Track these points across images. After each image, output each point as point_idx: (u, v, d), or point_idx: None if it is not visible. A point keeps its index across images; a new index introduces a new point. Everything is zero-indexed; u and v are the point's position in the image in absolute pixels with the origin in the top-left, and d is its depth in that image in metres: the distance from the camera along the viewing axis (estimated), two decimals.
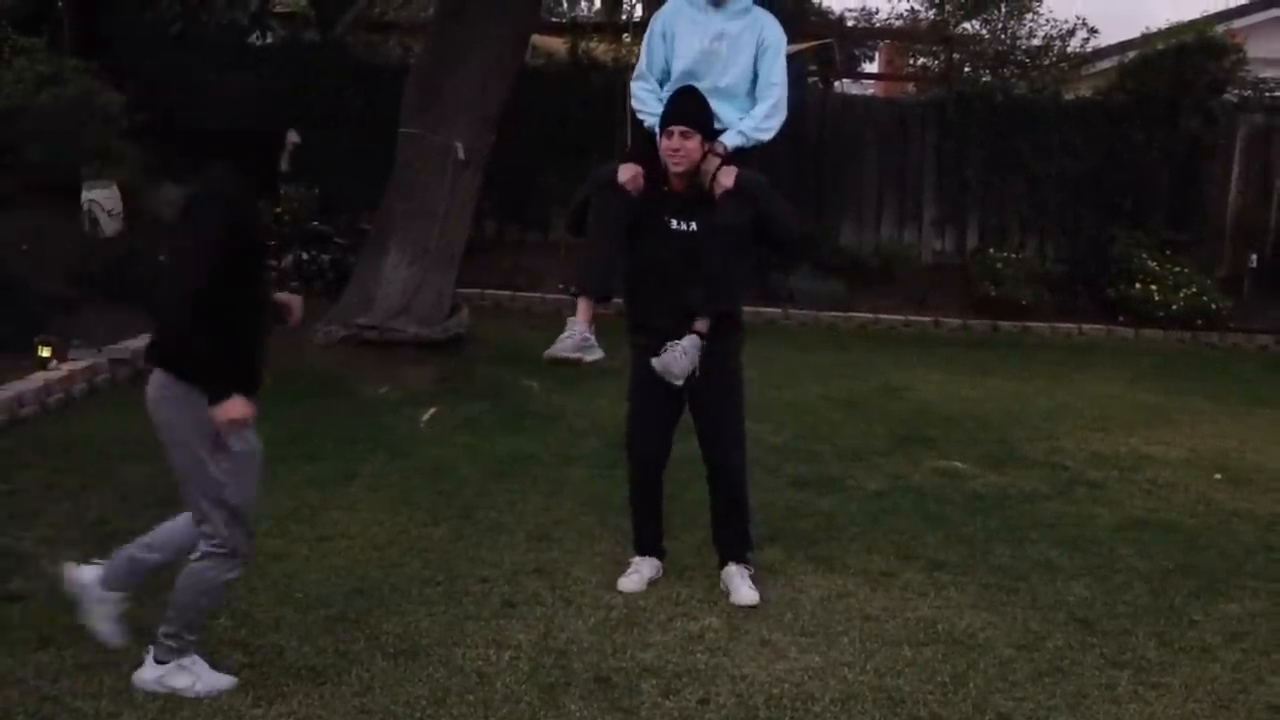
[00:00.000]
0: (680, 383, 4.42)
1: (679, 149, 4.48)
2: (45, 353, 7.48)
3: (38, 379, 7.25)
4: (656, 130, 4.62)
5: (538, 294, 12.37)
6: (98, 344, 8.01)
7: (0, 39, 11.01)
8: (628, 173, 4.55)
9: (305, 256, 10.80)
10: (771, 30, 4.73)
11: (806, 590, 4.74)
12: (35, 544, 4.87)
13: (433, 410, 7.57)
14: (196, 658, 3.71)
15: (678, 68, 4.68)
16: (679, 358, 4.41)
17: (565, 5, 30.59)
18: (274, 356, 8.56)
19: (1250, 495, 6.58)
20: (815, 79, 19.05)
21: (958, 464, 6.93)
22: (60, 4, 12.54)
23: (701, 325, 4.49)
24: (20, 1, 13.15)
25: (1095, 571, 5.16)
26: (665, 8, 4.88)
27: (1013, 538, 5.57)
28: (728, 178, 4.47)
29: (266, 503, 5.48)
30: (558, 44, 14.64)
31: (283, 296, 4.06)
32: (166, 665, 3.67)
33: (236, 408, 3.51)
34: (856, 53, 30.20)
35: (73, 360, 7.69)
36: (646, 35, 4.89)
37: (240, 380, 3.57)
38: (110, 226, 9.45)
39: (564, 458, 6.69)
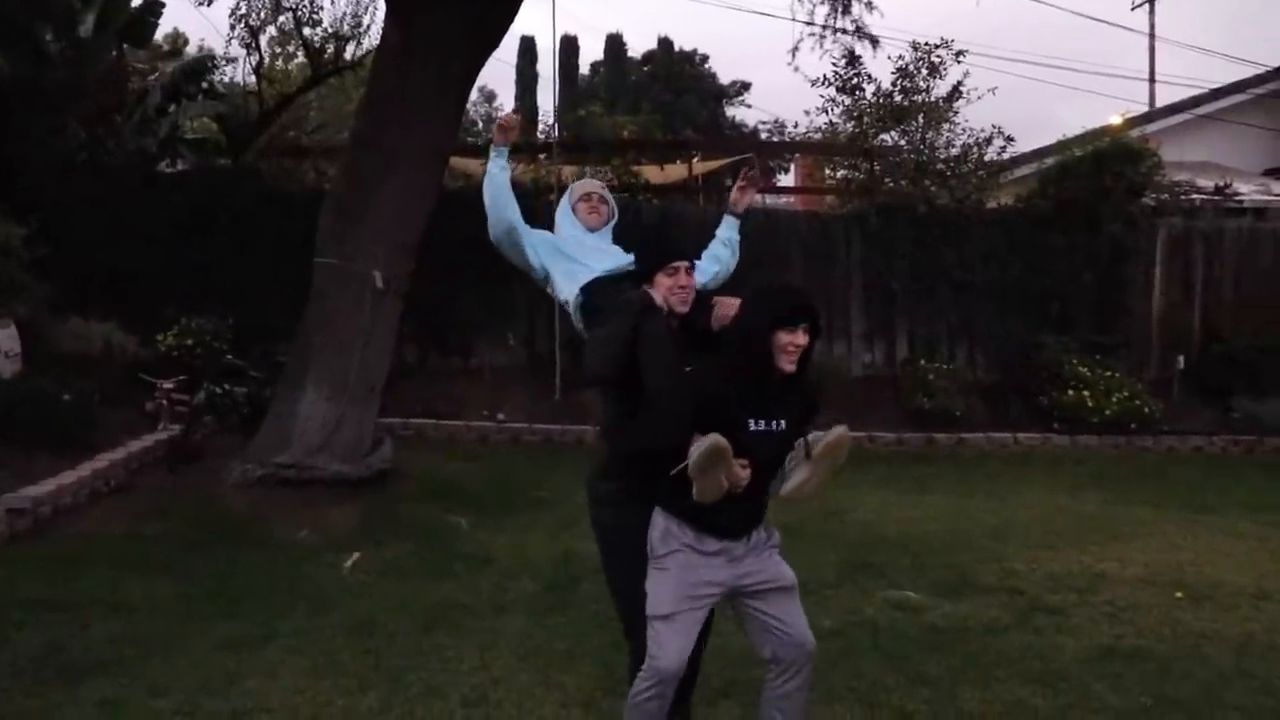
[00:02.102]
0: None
1: (687, 286, 4.14)
2: None
3: None
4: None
5: (461, 422, 12.00)
6: None
7: None
8: (660, 298, 4.10)
9: (218, 391, 10.35)
10: None
11: None
12: None
13: (356, 555, 7.13)
14: None
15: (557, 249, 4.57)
16: None
17: (481, 125, 30.74)
18: (185, 499, 8.20)
19: (1214, 614, 6.34)
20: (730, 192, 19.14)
21: (910, 594, 6.63)
22: None
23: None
24: None
25: (1069, 713, 4.85)
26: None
27: (979, 676, 5.25)
28: (730, 306, 4.11)
29: (175, 671, 5.07)
30: (476, 166, 14.45)
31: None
32: None
33: None
34: (772, 164, 30.71)
35: None
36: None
37: None
38: (8, 368, 8.95)
39: (497, 605, 6.27)
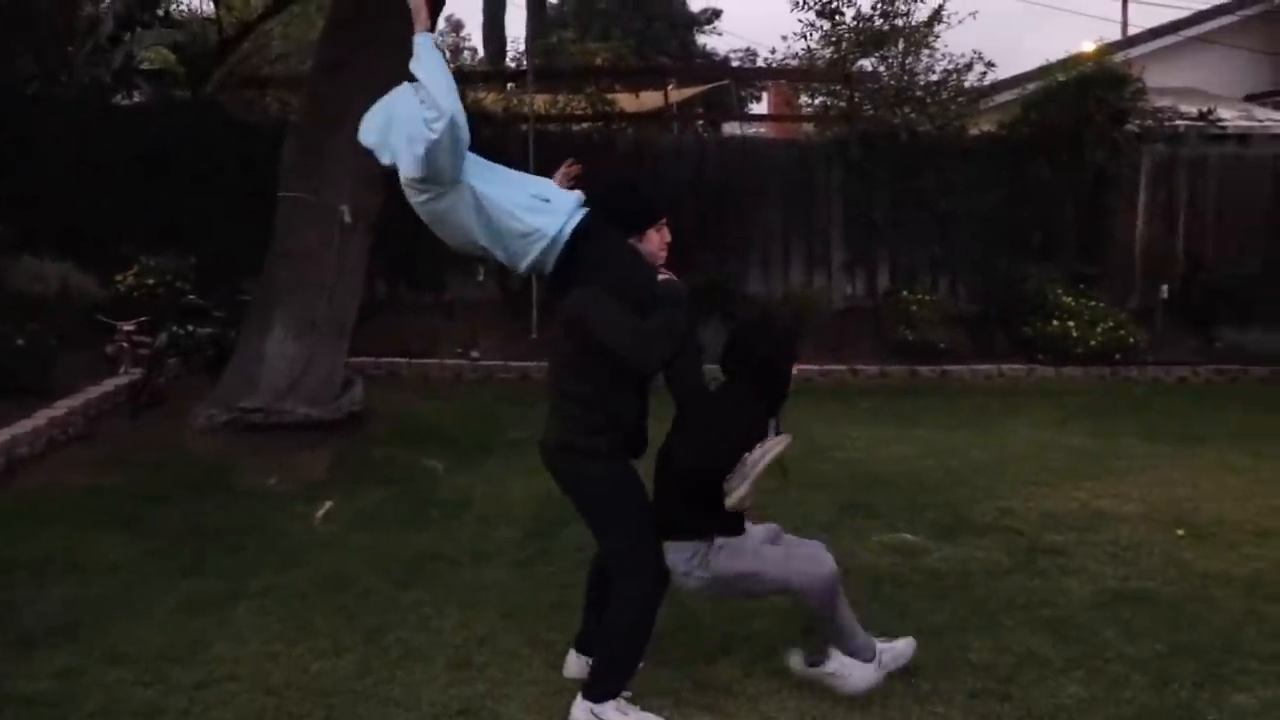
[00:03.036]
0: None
1: (669, 242, 4.18)
2: None
3: None
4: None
5: (434, 360, 11.69)
6: None
7: None
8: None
9: (181, 332, 9.96)
10: None
11: (777, 717, 4.11)
12: None
13: (328, 505, 6.82)
14: None
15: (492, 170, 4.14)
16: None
17: (448, 55, 30.05)
18: (148, 447, 7.87)
19: (1219, 553, 6.13)
20: (702, 123, 18.77)
21: (907, 535, 6.39)
22: None
23: None
24: None
25: (1084, 663, 4.62)
26: None
27: (986, 625, 5.01)
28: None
29: (136, 636, 4.76)
30: None
31: None
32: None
33: None
34: (743, 94, 30.22)
35: None
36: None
37: None
38: None
39: (477, 555, 5.99)
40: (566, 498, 4.14)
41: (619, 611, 4.01)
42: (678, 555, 4.04)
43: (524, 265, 4.04)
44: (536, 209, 3.96)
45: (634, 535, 4.01)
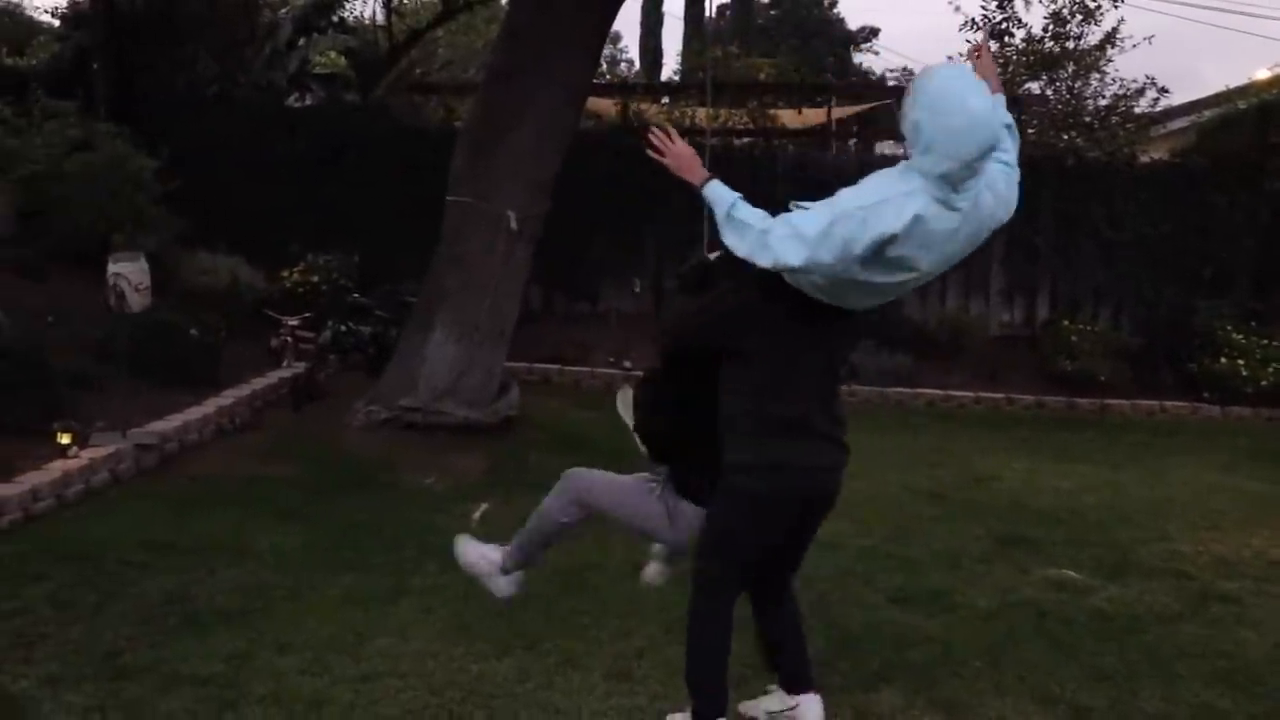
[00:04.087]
0: None
1: None
2: (65, 439, 6.90)
3: (55, 469, 6.65)
4: None
5: (587, 368, 11.76)
6: (122, 428, 7.41)
7: (31, 102, 10.57)
8: None
9: (344, 329, 10.20)
10: None
11: None
12: (36, 684, 4.18)
13: (484, 506, 6.89)
14: None
15: None
16: None
17: (604, 66, 30.35)
18: (309, 440, 8.05)
19: None
20: (855, 140, 18.60)
21: (1070, 573, 6.19)
22: (94, 67, 12.11)
23: None
24: (53, 65, 12.78)
25: None
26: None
27: (1159, 673, 4.81)
28: None
29: (302, 625, 4.86)
30: (607, 105, 14.13)
31: None
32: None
33: None
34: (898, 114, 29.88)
35: (94, 446, 7.09)
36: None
37: None
38: (137, 302, 8.86)
39: (633, 567, 5.94)
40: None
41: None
42: None
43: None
44: None
45: None
